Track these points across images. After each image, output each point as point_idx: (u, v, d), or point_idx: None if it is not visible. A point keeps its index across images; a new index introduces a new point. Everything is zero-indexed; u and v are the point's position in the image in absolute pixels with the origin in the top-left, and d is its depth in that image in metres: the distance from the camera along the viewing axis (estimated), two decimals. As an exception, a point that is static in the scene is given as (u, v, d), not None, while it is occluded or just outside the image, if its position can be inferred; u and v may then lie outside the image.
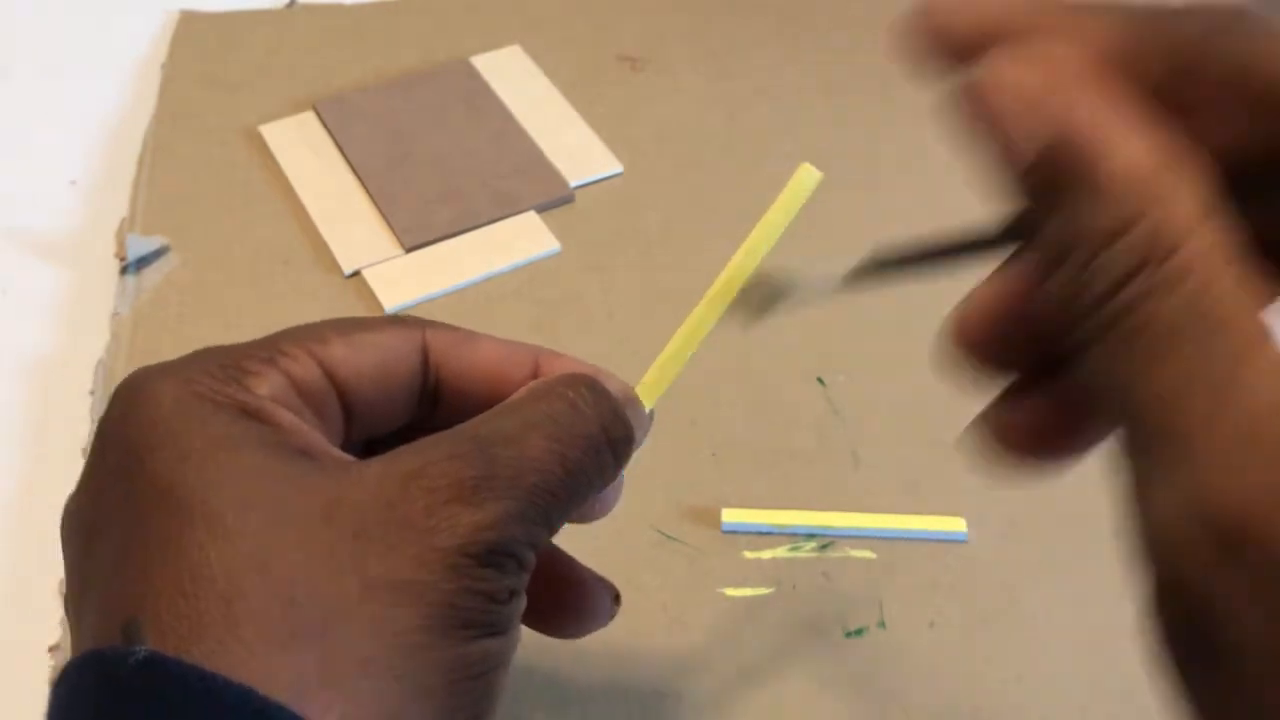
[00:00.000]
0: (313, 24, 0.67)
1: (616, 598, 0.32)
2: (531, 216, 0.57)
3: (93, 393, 0.50)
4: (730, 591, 0.45)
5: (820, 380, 0.51)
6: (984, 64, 0.22)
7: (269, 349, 0.26)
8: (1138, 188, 0.20)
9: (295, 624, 0.22)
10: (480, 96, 0.62)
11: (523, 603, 0.25)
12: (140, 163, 0.59)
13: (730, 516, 0.46)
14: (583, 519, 0.30)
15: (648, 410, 0.31)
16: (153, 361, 0.51)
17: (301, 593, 0.22)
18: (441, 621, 0.23)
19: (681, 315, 0.53)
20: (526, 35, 0.66)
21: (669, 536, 0.46)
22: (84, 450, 0.48)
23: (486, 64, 0.64)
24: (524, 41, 0.66)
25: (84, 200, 0.59)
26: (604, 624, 0.32)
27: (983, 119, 0.22)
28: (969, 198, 0.59)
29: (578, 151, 0.60)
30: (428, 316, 0.52)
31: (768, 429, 0.49)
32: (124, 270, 0.54)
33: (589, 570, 0.32)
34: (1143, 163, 0.20)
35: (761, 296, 0.30)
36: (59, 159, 0.61)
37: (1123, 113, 0.21)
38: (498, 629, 0.24)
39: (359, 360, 0.27)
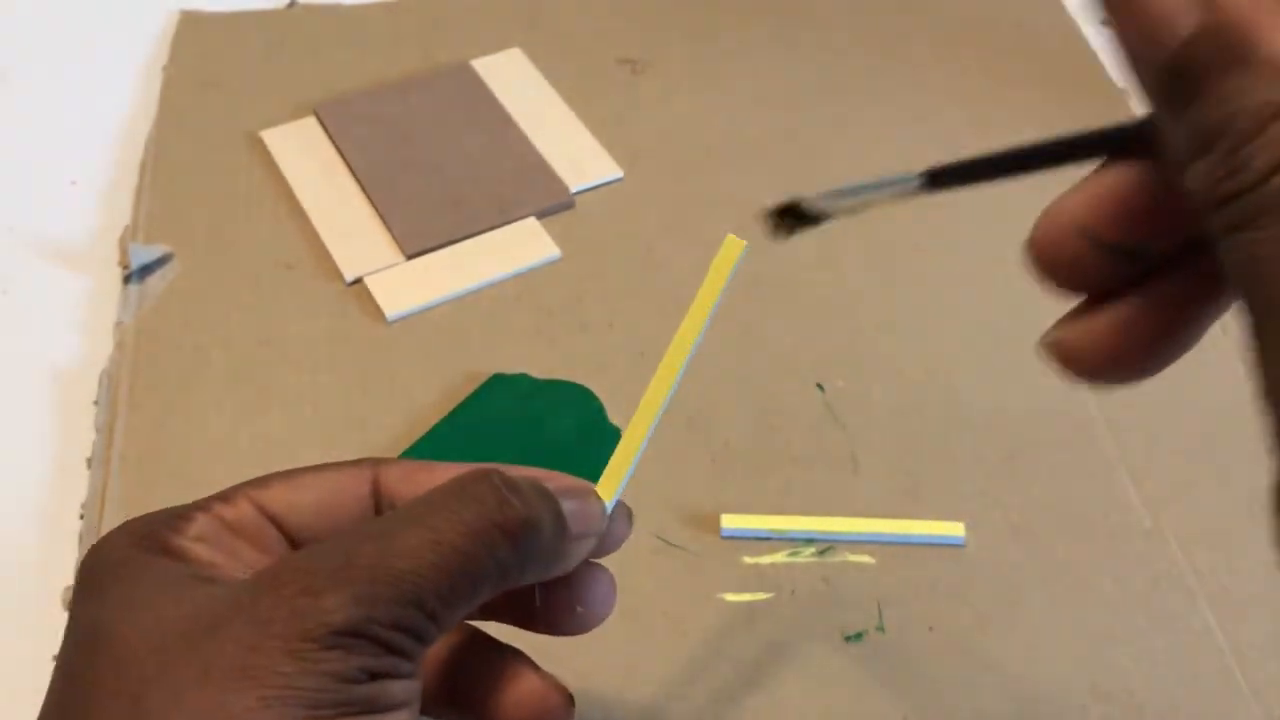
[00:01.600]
0: (313, 25, 0.68)
1: (612, 583, 0.33)
2: (532, 223, 0.57)
3: (97, 402, 0.50)
4: (730, 597, 0.45)
5: (819, 386, 0.51)
6: None
7: (214, 498, 0.29)
8: None
9: (139, 713, 0.24)
10: (480, 100, 0.63)
11: (406, 682, 0.26)
12: (142, 169, 0.60)
13: (730, 522, 0.46)
14: (595, 555, 0.32)
15: (608, 500, 0.32)
16: (156, 370, 0.52)
17: (148, 688, 0.25)
18: (281, 702, 0.24)
19: (680, 320, 0.53)
20: (527, 38, 0.66)
21: (669, 542, 0.46)
22: (88, 460, 0.48)
23: (487, 67, 0.64)
24: (524, 45, 0.66)
25: (86, 202, 0.59)
26: (609, 610, 0.32)
27: (1129, 3, 0.22)
28: (967, 199, 0.59)
29: (578, 157, 0.60)
30: (428, 324, 0.53)
31: (767, 435, 0.50)
32: (127, 279, 0.54)
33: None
34: None
35: (793, 217, 0.30)
36: (60, 160, 0.61)
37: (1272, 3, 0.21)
38: (363, 708, 0.25)
39: (297, 497, 0.30)
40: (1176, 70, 0.22)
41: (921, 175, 0.28)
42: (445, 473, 0.30)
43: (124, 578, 0.27)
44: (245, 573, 0.28)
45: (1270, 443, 0.22)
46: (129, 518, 0.28)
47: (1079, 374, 0.27)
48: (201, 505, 0.29)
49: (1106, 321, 0.26)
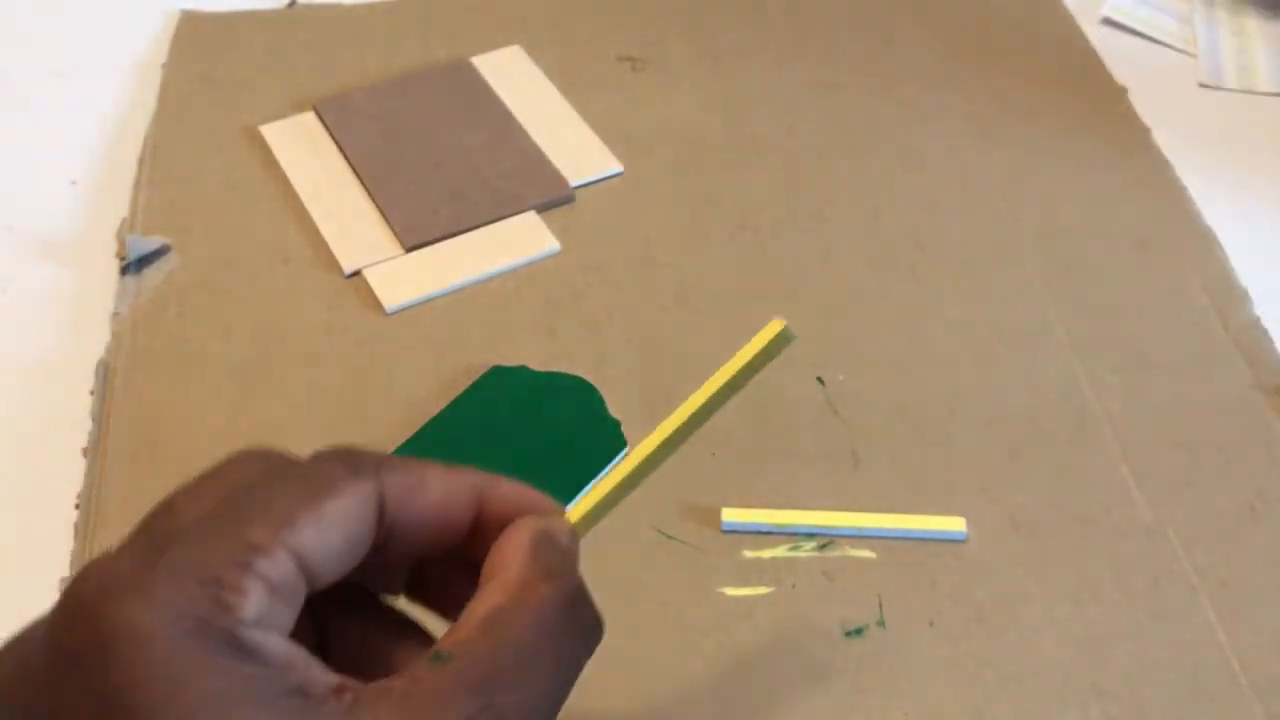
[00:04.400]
0: (313, 24, 0.67)
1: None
2: (531, 216, 0.57)
3: (93, 393, 0.50)
4: (730, 591, 0.45)
5: (820, 380, 0.51)
6: None
7: (240, 547, 0.25)
8: None
9: None
10: (480, 96, 0.62)
11: None
12: (141, 163, 0.59)
13: (730, 516, 0.46)
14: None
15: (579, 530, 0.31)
16: (153, 361, 0.51)
17: None
18: None
19: (681, 317, 0.53)
20: (527, 35, 0.66)
21: (669, 536, 0.46)
22: (84, 450, 0.48)
23: (487, 64, 0.64)
24: (524, 41, 0.66)
25: (85, 200, 0.59)
26: None
27: None
28: (967, 197, 0.59)
29: (578, 151, 0.60)
30: (428, 316, 0.53)
31: (768, 428, 0.50)
32: (124, 270, 0.54)
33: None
34: None
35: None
36: (60, 159, 0.61)
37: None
38: None
39: (328, 541, 0.26)
40: None
41: None
42: (436, 491, 0.29)
43: (197, 697, 0.22)
44: (323, 674, 0.25)
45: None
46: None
47: None
48: (241, 561, 0.24)
49: None
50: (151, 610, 0.23)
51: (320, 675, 0.24)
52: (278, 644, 0.24)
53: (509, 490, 0.30)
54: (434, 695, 0.25)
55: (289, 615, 0.25)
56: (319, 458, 0.28)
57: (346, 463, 0.27)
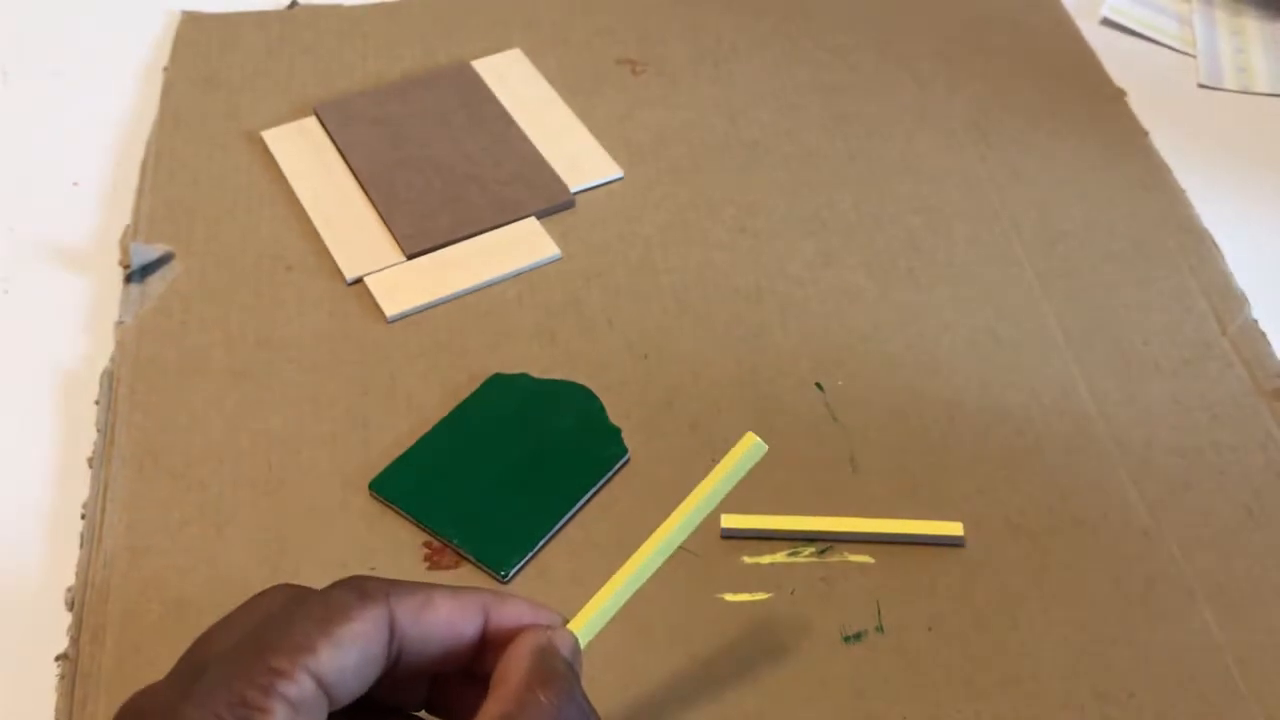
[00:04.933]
0: (314, 26, 0.68)
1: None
2: (532, 222, 0.57)
3: (98, 402, 0.50)
4: (729, 596, 0.45)
5: (818, 385, 0.51)
6: None
7: (264, 672, 0.28)
8: None
9: None
10: (481, 100, 0.63)
11: None
12: (143, 169, 0.60)
13: (729, 522, 0.46)
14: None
15: (581, 644, 0.34)
16: (157, 369, 0.51)
17: None
18: None
19: (682, 323, 0.53)
20: (527, 38, 0.67)
21: (669, 542, 0.46)
22: (89, 460, 0.49)
23: (487, 67, 0.64)
24: (524, 45, 0.66)
25: (87, 203, 0.59)
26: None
27: None
28: (966, 199, 0.59)
29: (578, 156, 0.60)
30: (429, 324, 0.53)
31: (766, 434, 0.49)
32: (128, 278, 0.54)
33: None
34: None
35: None
36: (61, 160, 0.61)
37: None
38: None
39: (344, 662, 0.29)
40: None
41: None
42: (444, 612, 0.31)
43: None
44: None
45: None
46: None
47: None
48: (265, 685, 0.28)
49: None
50: None
51: None
52: None
53: (514, 605, 0.33)
54: None
55: None
56: (334, 587, 0.31)
57: (358, 590, 0.30)
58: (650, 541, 0.35)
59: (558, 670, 0.31)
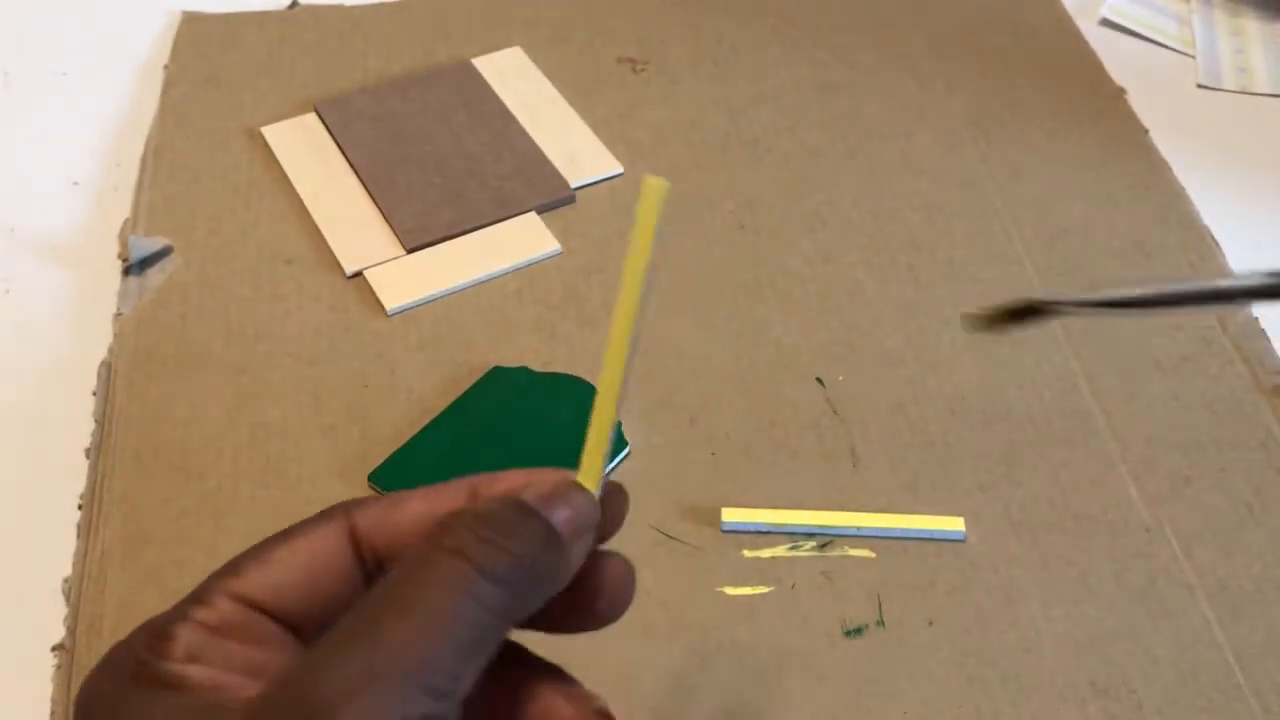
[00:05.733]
0: (315, 26, 0.68)
1: (627, 567, 0.31)
2: (532, 217, 0.57)
3: (95, 394, 0.50)
4: (730, 590, 0.45)
5: (819, 380, 0.51)
6: None
7: (189, 602, 0.28)
8: None
9: None
10: (481, 97, 0.63)
11: None
12: (143, 164, 0.60)
13: (730, 516, 0.46)
14: (598, 542, 0.30)
15: (595, 492, 0.29)
16: (155, 362, 0.51)
17: None
18: None
19: (681, 316, 0.53)
20: (527, 37, 0.67)
21: (669, 536, 0.46)
22: (86, 450, 0.48)
23: (487, 65, 0.64)
24: (525, 43, 0.66)
25: (87, 201, 0.59)
26: (630, 596, 0.31)
27: None
28: (966, 198, 0.59)
29: (578, 152, 0.60)
30: (429, 317, 0.53)
31: (767, 429, 0.50)
32: (127, 271, 0.54)
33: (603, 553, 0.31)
34: None
35: (1016, 313, 0.33)
36: (62, 160, 0.61)
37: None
38: None
39: (276, 578, 0.29)
40: None
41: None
42: (415, 507, 0.29)
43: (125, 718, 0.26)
44: (250, 682, 0.27)
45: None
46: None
47: None
48: (179, 614, 0.28)
49: None
50: (105, 674, 0.28)
51: (242, 693, 0.27)
52: (203, 673, 0.27)
53: (509, 476, 0.30)
54: (309, 664, 0.26)
55: (239, 647, 0.28)
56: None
57: (316, 516, 0.30)
58: (612, 354, 0.31)
59: (454, 526, 0.27)
